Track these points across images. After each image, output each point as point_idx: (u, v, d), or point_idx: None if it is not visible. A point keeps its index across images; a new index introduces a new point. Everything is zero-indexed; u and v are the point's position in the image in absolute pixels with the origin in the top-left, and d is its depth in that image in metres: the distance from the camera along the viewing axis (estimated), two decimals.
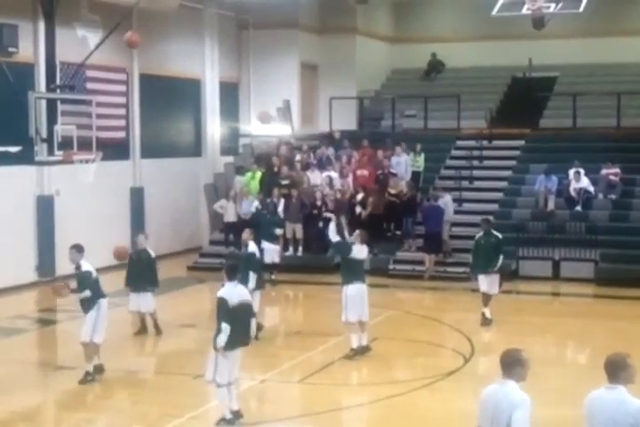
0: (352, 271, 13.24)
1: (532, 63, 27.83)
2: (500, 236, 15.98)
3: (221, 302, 9.90)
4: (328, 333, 14.93)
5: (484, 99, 27.61)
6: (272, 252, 19.11)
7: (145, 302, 14.78)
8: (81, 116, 18.89)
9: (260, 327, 14.45)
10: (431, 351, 14.23)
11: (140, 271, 14.78)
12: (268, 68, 26.68)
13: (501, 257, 15.76)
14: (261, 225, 19.35)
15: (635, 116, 24.27)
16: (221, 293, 10.03)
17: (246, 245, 14.40)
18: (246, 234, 14.67)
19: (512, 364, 6.14)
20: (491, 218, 18.56)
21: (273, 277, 19.23)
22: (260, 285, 14.29)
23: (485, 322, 15.57)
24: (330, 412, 9.80)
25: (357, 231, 13.66)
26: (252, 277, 13.76)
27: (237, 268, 10.51)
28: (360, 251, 13.37)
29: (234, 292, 10.02)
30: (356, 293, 13.11)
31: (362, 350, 13.26)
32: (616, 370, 6.04)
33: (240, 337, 10.02)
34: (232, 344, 9.95)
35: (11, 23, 18.53)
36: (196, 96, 25.22)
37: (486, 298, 15.63)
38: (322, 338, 14.64)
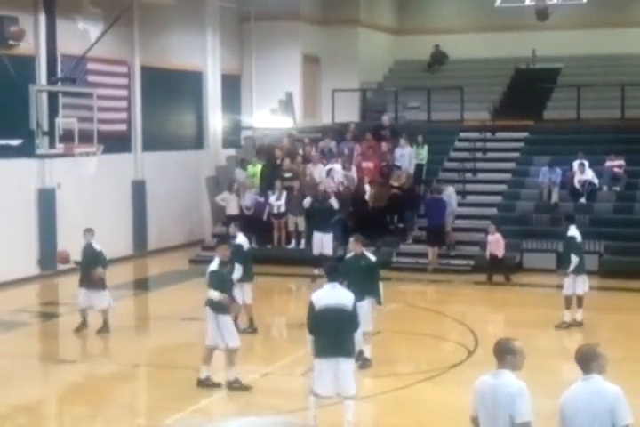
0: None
1: (535, 55, 27.76)
2: (571, 234, 14.75)
3: (309, 306, 9.44)
4: None
5: (488, 90, 27.52)
6: (322, 243, 18.83)
7: (98, 298, 14.28)
8: (82, 109, 18.84)
9: (251, 321, 14.41)
10: (434, 344, 14.19)
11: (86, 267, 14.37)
12: (270, 60, 26.58)
13: (574, 258, 14.62)
14: (315, 215, 19.62)
15: (639, 108, 24.15)
16: (313, 295, 9.55)
17: (234, 238, 14.38)
18: (232, 228, 14.88)
19: (503, 353, 6.33)
20: (572, 214, 16.90)
21: (316, 271, 18.03)
22: (248, 277, 14.15)
23: (575, 324, 14.78)
24: (333, 405, 9.73)
25: (352, 239, 12.53)
26: (238, 267, 13.82)
27: (337, 268, 10.01)
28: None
29: (327, 294, 9.45)
30: None
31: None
32: (587, 361, 6.15)
33: (328, 344, 9.27)
34: (319, 352, 9.35)
35: (11, 15, 18.45)
36: (197, 88, 25.12)
37: (578, 300, 14.85)
38: None
